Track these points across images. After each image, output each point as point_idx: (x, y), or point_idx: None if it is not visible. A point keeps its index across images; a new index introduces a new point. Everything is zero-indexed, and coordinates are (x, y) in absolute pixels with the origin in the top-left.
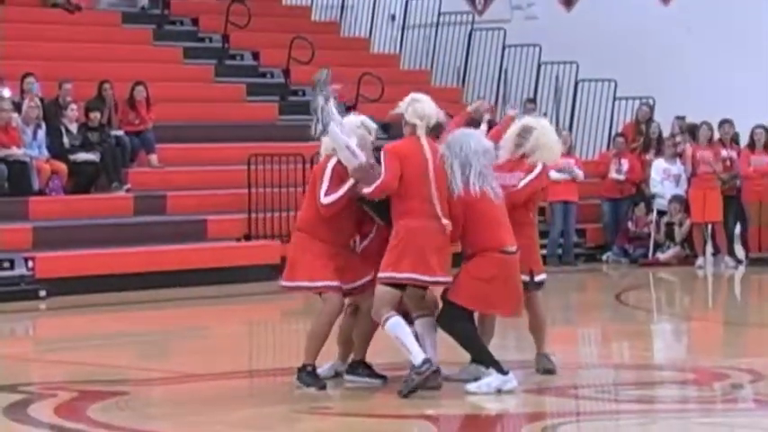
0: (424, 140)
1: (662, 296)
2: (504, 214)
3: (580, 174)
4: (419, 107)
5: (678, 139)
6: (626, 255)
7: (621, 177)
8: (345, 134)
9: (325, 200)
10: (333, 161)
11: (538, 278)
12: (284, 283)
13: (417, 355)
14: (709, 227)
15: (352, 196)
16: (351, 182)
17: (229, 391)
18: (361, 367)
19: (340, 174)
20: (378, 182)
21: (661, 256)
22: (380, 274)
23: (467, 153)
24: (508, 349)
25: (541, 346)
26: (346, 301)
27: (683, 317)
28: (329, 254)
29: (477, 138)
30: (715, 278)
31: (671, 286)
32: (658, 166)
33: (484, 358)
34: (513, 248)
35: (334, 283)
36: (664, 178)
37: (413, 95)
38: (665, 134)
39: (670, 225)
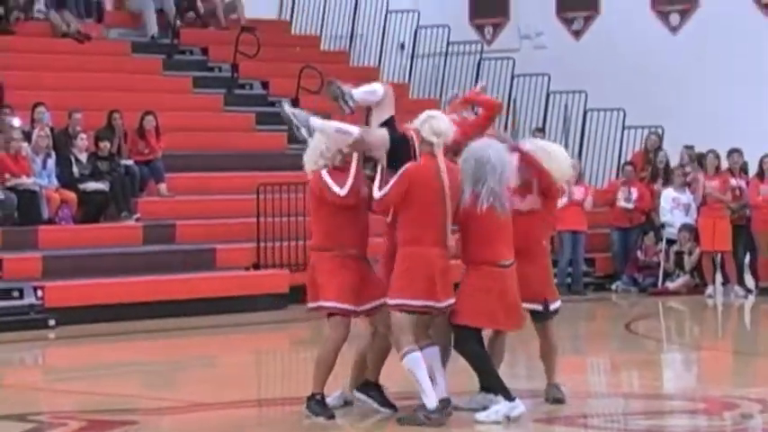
0: (441, 161)
1: (671, 325)
2: (505, 228)
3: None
4: (435, 124)
5: (688, 168)
6: (635, 284)
7: (630, 206)
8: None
9: (343, 192)
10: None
11: (553, 306)
12: (309, 305)
13: (431, 399)
14: (719, 256)
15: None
16: (354, 166)
17: (238, 421)
18: (373, 389)
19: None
20: (381, 194)
21: (670, 285)
22: (391, 301)
23: (484, 168)
24: (518, 378)
25: (552, 375)
26: (363, 326)
27: (693, 346)
28: (344, 270)
29: (498, 151)
30: (725, 307)
31: (680, 315)
32: (668, 195)
33: (492, 383)
34: (509, 262)
35: (345, 306)
36: (673, 207)
37: (428, 112)
38: (674, 163)
39: (679, 254)
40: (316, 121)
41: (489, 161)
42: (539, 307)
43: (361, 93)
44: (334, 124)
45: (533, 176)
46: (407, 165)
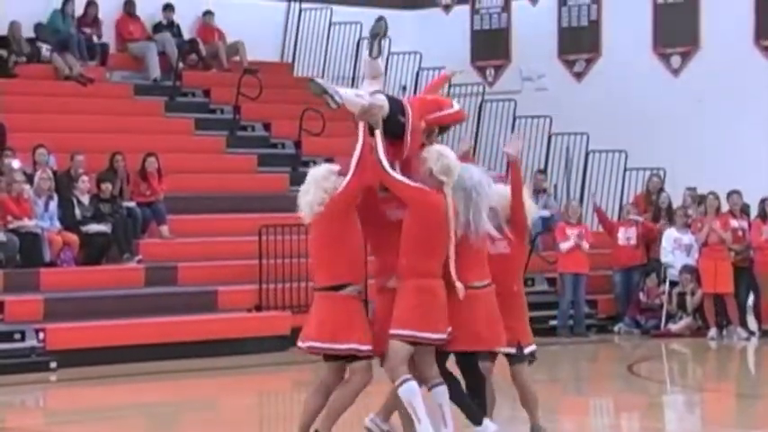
0: (450, 199)
1: (674, 367)
2: (478, 252)
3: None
4: (446, 163)
5: (690, 211)
6: (638, 326)
7: (632, 241)
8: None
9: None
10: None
11: (527, 349)
12: (315, 344)
13: (426, 429)
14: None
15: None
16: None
17: None
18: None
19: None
20: (391, 173)
21: (673, 327)
22: (401, 331)
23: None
24: (520, 420)
25: (534, 417)
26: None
27: (696, 388)
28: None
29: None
30: (727, 349)
31: (683, 357)
32: (669, 236)
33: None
34: (481, 283)
35: (365, 347)
36: (675, 248)
37: (439, 149)
38: (676, 204)
39: (682, 295)
40: (344, 92)
41: (474, 190)
42: (512, 350)
43: (351, 94)
44: (354, 92)
45: (504, 218)
46: (423, 186)
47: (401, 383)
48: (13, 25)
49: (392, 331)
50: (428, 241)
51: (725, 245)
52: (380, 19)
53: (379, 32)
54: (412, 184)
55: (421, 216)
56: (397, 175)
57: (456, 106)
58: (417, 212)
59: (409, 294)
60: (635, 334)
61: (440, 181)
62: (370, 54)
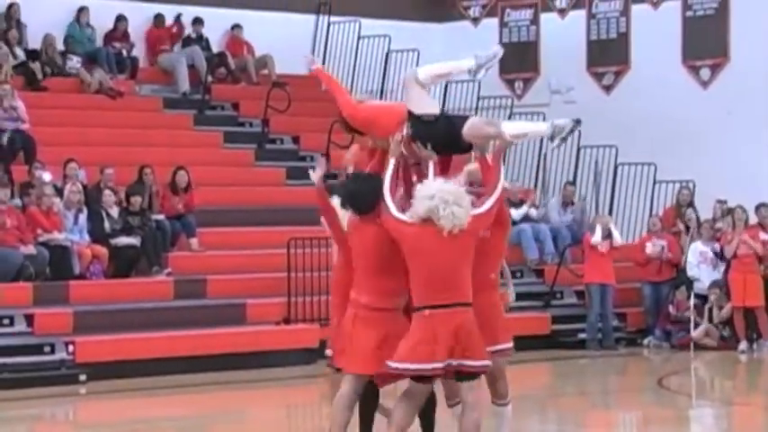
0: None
1: (704, 381)
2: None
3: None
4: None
5: (720, 224)
6: (668, 339)
7: (658, 252)
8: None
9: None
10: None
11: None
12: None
13: None
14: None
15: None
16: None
17: None
18: None
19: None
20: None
21: (693, 334)
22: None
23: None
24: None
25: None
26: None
27: (726, 402)
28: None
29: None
30: (758, 363)
31: (713, 371)
32: (695, 249)
33: None
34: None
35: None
36: (700, 261)
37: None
38: (706, 217)
39: (711, 309)
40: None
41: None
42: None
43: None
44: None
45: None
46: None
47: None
48: (47, 38)
49: (493, 348)
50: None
51: (754, 257)
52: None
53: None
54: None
55: (504, 231)
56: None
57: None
58: (504, 229)
59: (491, 309)
60: (664, 347)
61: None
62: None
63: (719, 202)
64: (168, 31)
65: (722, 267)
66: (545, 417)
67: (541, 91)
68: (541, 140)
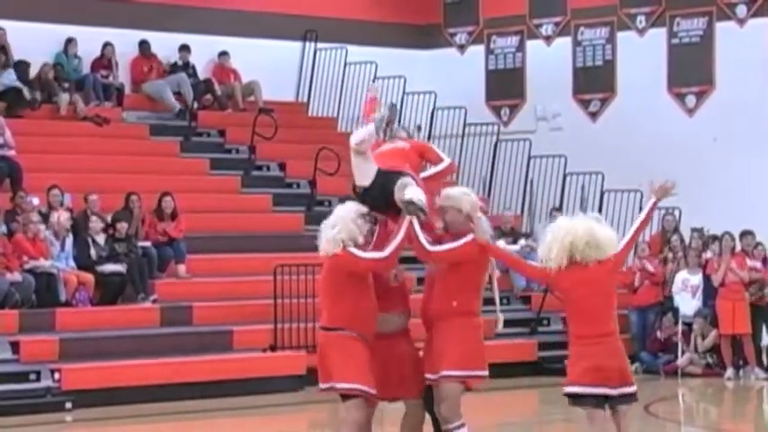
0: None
1: (691, 408)
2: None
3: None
4: (472, 199)
5: (709, 253)
6: (655, 363)
7: (650, 269)
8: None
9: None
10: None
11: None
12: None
13: None
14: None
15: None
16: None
17: None
18: None
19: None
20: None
21: (679, 362)
22: (458, 372)
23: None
24: None
25: None
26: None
27: (713, 429)
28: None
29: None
30: (745, 390)
31: (700, 398)
32: (679, 277)
33: None
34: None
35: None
36: (681, 289)
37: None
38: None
39: (696, 338)
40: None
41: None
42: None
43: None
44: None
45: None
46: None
47: (457, 428)
48: (44, 68)
49: (445, 372)
50: (474, 280)
51: (741, 285)
52: (393, 106)
53: (387, 120)
54: (460, 242)
55: (477, 262)
56: (443, 246)
57: (447, 159)
58: (474, 260)
59: (469, 333)
60: (652, 374)
61: (470, 217)
62: (385, 137)
63: (695, 230)
64: (154, 59)
65: (701, 296)
66: None
67: (528, 118)
68: (528, 167)
